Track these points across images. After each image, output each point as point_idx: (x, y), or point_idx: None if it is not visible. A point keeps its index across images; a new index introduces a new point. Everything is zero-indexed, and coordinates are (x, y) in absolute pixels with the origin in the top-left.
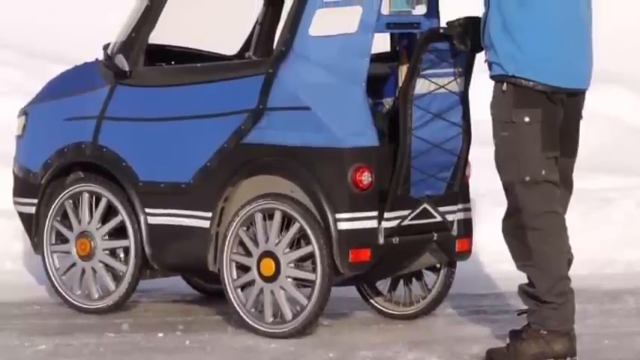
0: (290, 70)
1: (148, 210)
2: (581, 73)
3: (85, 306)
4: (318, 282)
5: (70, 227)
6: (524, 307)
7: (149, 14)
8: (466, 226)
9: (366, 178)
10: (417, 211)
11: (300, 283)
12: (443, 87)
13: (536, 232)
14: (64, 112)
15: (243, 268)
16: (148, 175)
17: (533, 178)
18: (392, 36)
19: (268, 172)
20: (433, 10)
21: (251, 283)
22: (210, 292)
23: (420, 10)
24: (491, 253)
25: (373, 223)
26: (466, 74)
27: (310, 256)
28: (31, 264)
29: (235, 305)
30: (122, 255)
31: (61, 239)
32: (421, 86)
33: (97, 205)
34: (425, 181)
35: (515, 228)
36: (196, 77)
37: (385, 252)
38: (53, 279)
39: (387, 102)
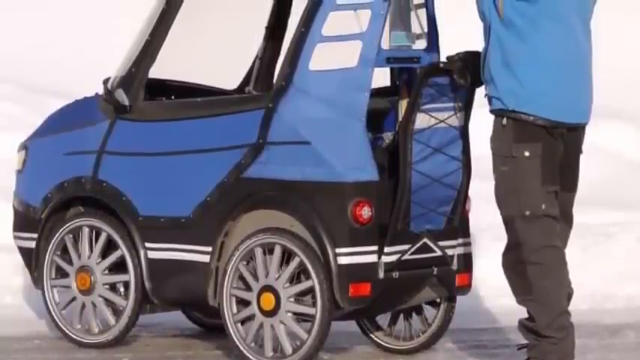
0: (290, 105)
1: (148, 244)
2: (581, 107)
3: (85, 340)
4: (318, 316)
5: (70, 262)
6: (524, 341)
7: (149, 49)
8: (466, 261)
9: (366, 212)
10: (417, 245)
11: (300, 317)
12: (443, 121)
13: (536, 266)
14: (64, 147)
15: (243, 303)
16: (147, 210)
17: (534, 212)
18: (392, 70)
19: (268, 207)
20: (433, 45)
21: (251, 317)
22: (210, 326)
23: (420, 44)
24: (491, 288)
25: (373, 258)
26: (466, 108)
27: (310, 291)
28: (31, 298)
29: (235, 340)
30: (122, 289)
31: (61, 274)
32: (421, 121)
33: (97, 240)
34: (425, 216)
35: (515, 262)
36: (196, 112)
37: (385, 286)
38: (53, 313)
39: (387, 136)
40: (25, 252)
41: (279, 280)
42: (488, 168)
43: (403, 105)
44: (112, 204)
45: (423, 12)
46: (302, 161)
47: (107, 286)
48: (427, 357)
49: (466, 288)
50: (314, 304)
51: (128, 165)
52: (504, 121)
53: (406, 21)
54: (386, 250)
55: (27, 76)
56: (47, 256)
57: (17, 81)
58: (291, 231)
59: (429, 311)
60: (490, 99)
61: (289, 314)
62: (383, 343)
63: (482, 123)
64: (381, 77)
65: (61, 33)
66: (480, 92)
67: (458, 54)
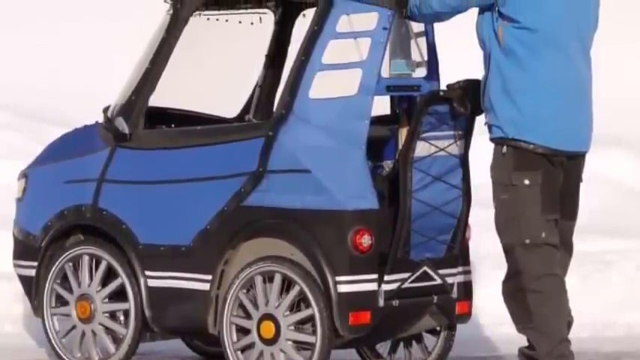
0: (290, 133)
1: (148, 272)
2: (581, 135)
3: None
4: (318, 345)
5: (70, 290)
6: None
7: (149, 77)
8: (466, 289)
9: (366, 240)
10: (417, 273)
11: (300, 345)
12: (443, 149)
13: (536, 294)
14: (64, 175)
15: (244, 331)
16: (147, 238)
17: (533, 240)
18: (392, 98)
19: (268, 235)
20: (433, 73)
21: (251, 345)
22: (210, 354)
23: (420, 72)
24: (491, 316)
25: (373, 286)
26: (466, 137)
27: (310, 319)
28: (31, 327)
29: None
30: (122, 318)
31: (61, 302)
32: (421, 149)
33: (97, 268)
34: (425, 244)
35: (515, 290)
36: (196, 140)
37: (385, 314)
38: (53, 342)
39: (387, 164)
40: (25, 280)
41: (279, 309)
42: (489, 196)
43: (403, 133)
44: (112, 232)
45: (423, 40)
46: (302, 189)
47: (107, 315)
48: None
49: (466, 316)
50: (314, 333)
51: (128, 193)
52: (504, 149)
53: (406, 49)
54: (386, 278)
55: (27, 104)
56: (47, 285)
57: (17, 109)
58: (291, 259)
59: (429, 339)
60: (490, 127)
61: (289, 342)
62: None
63: (482, 151)
64: (381, 105)
65: (60, 61)
66: (480, 120)
67: (458, 82)
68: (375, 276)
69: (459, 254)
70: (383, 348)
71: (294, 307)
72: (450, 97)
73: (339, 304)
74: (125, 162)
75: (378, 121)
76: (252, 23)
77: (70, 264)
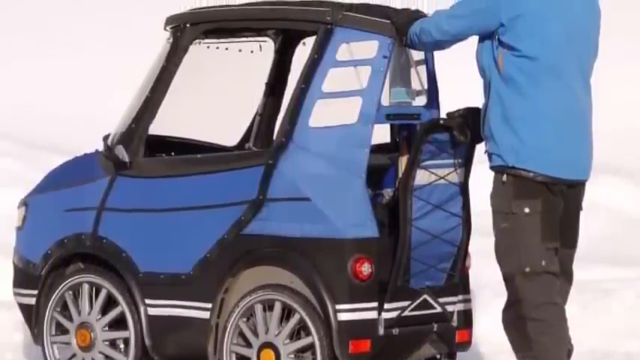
0: (290, 161)
1: (148, 301)
2: (581, 164)
3: None
4: None
5: (70, 318)
6: None
7: (149, 105)
8: (466, 317)
9: (366, 269)
10: (417, 302)
11: None
12: (443, 178)
13: (536, 322)
14: (64, 203)
15: (244, 359)
16: (148, 266)
17: (533, 269)
18: (392, 127)
19: (268, 263)
20: (433, 101)
21: None
22: None
23: (420, 101)
24: (491, 344)
25: (373, 314)
26: (466, 165)
27: (310, 347)
28: (31, 355)
29: None
30: (122, 346)
31: (61, 330)
32: (421, 177)
33: (97, 296)
34: (425, 272)
35: (515, 319)
36: (196, 168)
37: (385, 343)
38: None
39: (387, 193)
40: (25, 308)
41: (279, 337)
42: (489, 224)
43: (403, 161)
44: (112, 260)
45: (423, 68)
46: (302, 218)
47: (107, 343)
48: None
49: (466, 344)
50: None
51: (128, 221)
52: (504, 177)
53: (406, 77)
54: (386, 306)
55: (27, 133)
56: (47, 313)
57: (17, 137)
58: (291, 287)
59: None
60: (490, 155)
61: None
62: None
63: (482, 179)
64: (381, 133)
65: (61, 90)
66: (480, 148)
67: (458, 110)
68: (375, 304)
69: (459, 282)
70: None
71: (294, 336)
72: (450, 126)
73: (339, 333)
74: (125, 190)
75: (378, 149)
76: (252, 51)
77: (70, 292)
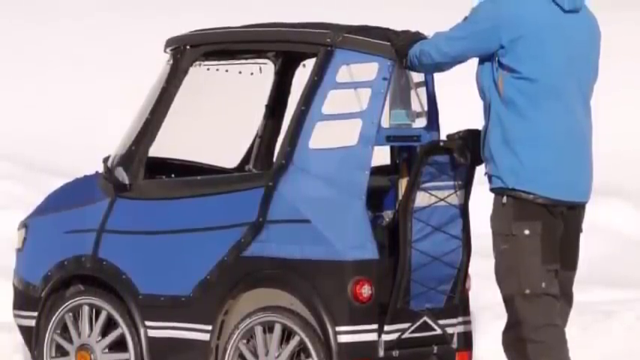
0: (290, 183)
1: (148, 323)
2: (581, 185)
3: None
4: None
5: (70, 340)
6: None
7: (149, 127)
8: (466, 339)
9: (366, 290)
10: (417, 324)
11: None
12: (443, 200)
13: (536, 344)
14: (64, 225)
15: None
16: (148, 288)
17: (533, 290)
18: (392, 149)
19: (268, 285)
20: (433, 123)
21: None
22: None
23: (420, 123)
24: None
25: (373, 336)
26: (466, 187)
27: None
28: None
29: None
30: None
31: (62, 352)
32: (421, 199)
33: (97, 318)
34: (425, 294)
35: (515, 341)
36: (196, 190)
37: None
38: None
39: (387, 215)
40: (25, 330)
41: (279, 359)
42: (489, 246)
43: (403, 183)
44: (112, 282)
45: (423, 90)
46: (302, 239)
47: None
48: None
49: None
50: None
51: (128, 243)
52: (504, 199)
53: (406, 99)
54: (386, 328)
55: (27, 155)
56: (47, 335)
57: (17, 159)
58: (291, 309)
59: None
60: (490, 177)
61: None
62: None
63: (482, 201)
64: (381, 155)
65: (60, 112)
66: (480, 170)
67: (458, 132)
68: (375, 326)
69: (459, 304)
70: None
71: (295, 358)
72: (450, 148)
73: (340, 355)
74: (125, 212)
75: (378, 171)
76: (252, 73)
77: (70, 314)
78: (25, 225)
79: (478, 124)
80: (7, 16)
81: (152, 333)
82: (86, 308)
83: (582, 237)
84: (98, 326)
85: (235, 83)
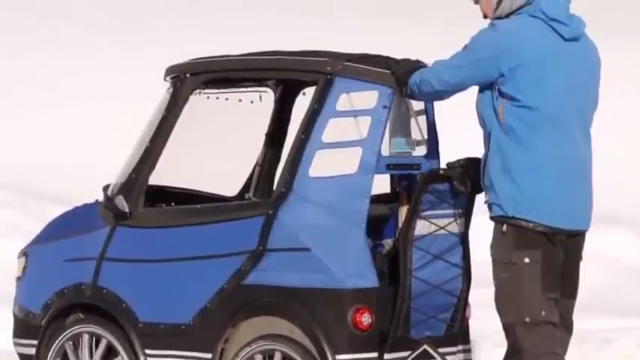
0: (290, 211)
1: (148, 351)
2: (581, 214)
3: None
4: None
5: None
6: None
7: (149, 155)
8: None
9: (366, 319)
10: (417, 352)
11: None
12: (443, 228)
13: None
14: (64, 254)
15: None
16: (148, 316)
17: (533, 319)
18: (392, 177)
19: (268, 313)
20: (433, 152)
21: None
22: None
23: (420, 151)
24: None
25: None
26: (466, 215)
27: None
28: None
29: None
30: None
31: None
32: (421, 227)
33: (97, 347)
34: (425, 322)
35: None
36: (196, 218)
37: None
38: None
39: (388, 243)
40: (25, 358)
41: None
42: (489, 274)
43: (403, 211)
44: (112, 311)
45: (423, 119)
46: (302, 268)
47: None
48: None
49: None
50: None
51: (128, 272)
52: (504, 227)
53: (406, 127)
54: (386, 356)
55: (27, 183)
56: None
57: (17, 188)
58: (291, 337)
59: None
60: (490, 205)
61: None
62: None
63: (482, 229)
64: (381, 184)
65: (60, 140)
66: (480, 198)
67: (458, 161)
68: (375, 354)
69: (459, 333)
70: None
71: None
72: (450, 176)
73: None
74: (125, 240)
75: (378, 199)
76: (252, 102)
77: (70, 342)
78: (25, 253)
79: (478, 152)
80: (7, 45)
81: None
82: (86, 336)
83: (582, 265)
84: (98, 354)
85: (235, 111)
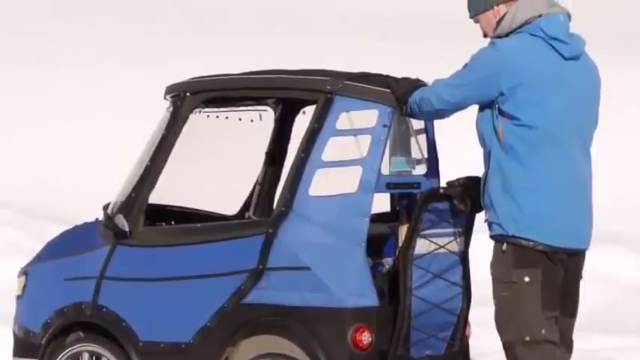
0: (290, 230)
1: None
2: (581, 233)
3: None
4: None
5: None
6: None
7: (149, 174)
8: None
9: (366, 338)
10: None
11: None
12: (443, 247)
13: None
14: (64, 272)
15: None
16: (148, 335)
17: (533, 337)
18: (392, 196)
19: (268, 332)
20: (433, 170)
21: None
22: None
23: (420, 170)
24: None
25: None
26: (466, 234)
27: None
28: None
29: None
30: None
31: None
32: (421, 246)
33: None
34: (425, 341)
35: None
36: (196, 237)
37: None
38: None
39: (387, 262)
40: None
41: None
42: (489, 293)
43: (403, 230)
44: (112, 329)
45: (423, 137)
46: (302, 286)
47: None
48: None
49: None
50: None
51: (128, 290)
52: (504, 246)
53: (406, 146)
54: None
55: (27, 202)
56: None
57: (17, 207)
58: (291, 356)
59: None
60: (490, 224)
61: None
62: None
63: (482, 248)
64: (381, 202)
65: (60, 159)
66: (480, 217)
67: (458, 179)
68: None
69: (459, 351)
70: None
71: None
72: (450, 195)
73: None
74: (125, 259)
75: (378, 218)
76: (252, 120)
77: None
78: (25, 272)
79: (478, 171)
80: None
81: None
82: (86, 355)
83: (582, 284)
84: None
85: (235, 130)
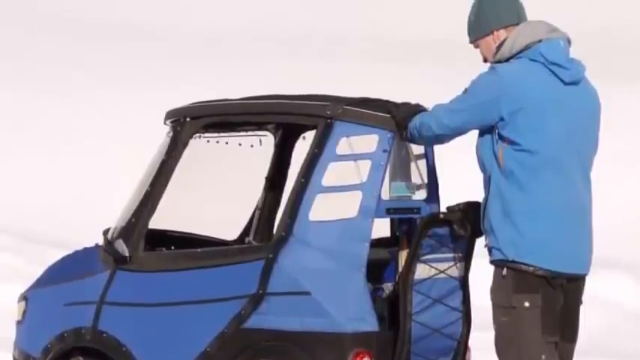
0: (290, 255)
1: None
2: (581, 258)
3: None
4: None
5: None
6: None
7: (149, 199)
8: None
9: None
10: None
11: None
12: (443, 272)
13: None
14: (64, 297)
15: None
16: None
17: None
18: (392, 221)
19: (268, 357)
20: (433, 195)
21: None
22: None
23: (420, 195)
24: None
25: None
26: (466, 259)
27: None
28: None
29: None
30: None
31: None
32: (421, 271)
33: None
34: None
35: None
36: (196, 262)
37: None
38: None
39: (387, 287)
40: None
41: None
42: (489, 318)
43: (403, 255)
44: (112, 354)
45: (422, 162)
46: (302, 311)
47: None
48: None
49: None
50: None
51: (128, 315)
52: (504, 271)
53: (406, 172)
54: None
55: (27, 227)
56: None
57: (17, 232)
58: None
59: None
60: (490, 249)
61: None
62: None
63: (482, 273)
64: (381, 227)
65: (60, 184)
66: (480, 242)
67: (458, 205)
68: None
69: None
70: None
71: None
72: (450, 220)
73: None
74: (125, 284)
75: (378, 243)
76: (252, 146)
77: None
78: (24, 297)
79: (478, 196)
80: (8, 88)
81: None
82: None
83: (582, 309)
84: None
85: (235, 155)
